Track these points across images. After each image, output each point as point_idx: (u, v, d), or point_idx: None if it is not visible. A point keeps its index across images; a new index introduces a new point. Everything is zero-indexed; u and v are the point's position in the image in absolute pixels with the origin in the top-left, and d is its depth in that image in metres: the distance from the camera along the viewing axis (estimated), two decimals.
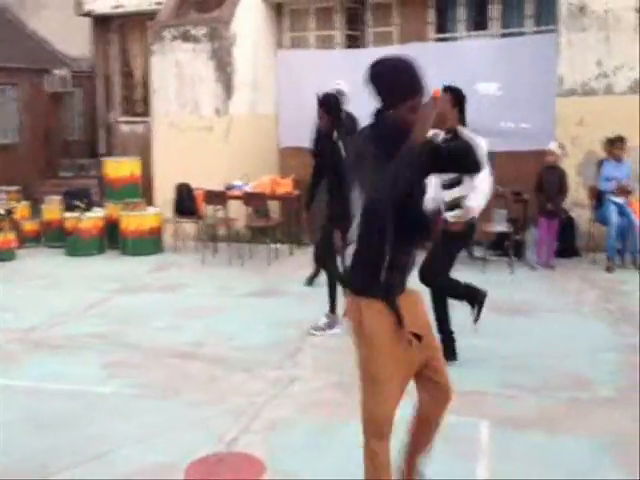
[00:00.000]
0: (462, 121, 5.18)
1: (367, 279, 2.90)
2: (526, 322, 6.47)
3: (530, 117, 9.85)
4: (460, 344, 5.78)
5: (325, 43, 11.94)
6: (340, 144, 5.98)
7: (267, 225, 9.35)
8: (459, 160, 2.88)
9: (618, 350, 5.63)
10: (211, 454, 3.99)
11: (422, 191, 2.89)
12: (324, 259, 6.40)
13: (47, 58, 18.96)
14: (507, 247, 8.46)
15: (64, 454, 3.99)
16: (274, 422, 4.42)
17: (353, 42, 11.86)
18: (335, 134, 6.07)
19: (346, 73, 10.62)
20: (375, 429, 2.96)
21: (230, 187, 9.53)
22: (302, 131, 11.12)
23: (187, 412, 4.58)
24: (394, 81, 2.80)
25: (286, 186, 9.46)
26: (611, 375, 5.13)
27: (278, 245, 9.40)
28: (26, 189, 11.79)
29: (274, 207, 10.29)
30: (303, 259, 9.28)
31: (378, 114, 2.87)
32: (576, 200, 9.06)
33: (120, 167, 9.93)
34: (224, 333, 6.21)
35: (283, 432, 4.28)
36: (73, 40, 16.27)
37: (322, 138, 6.26)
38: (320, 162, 6.36)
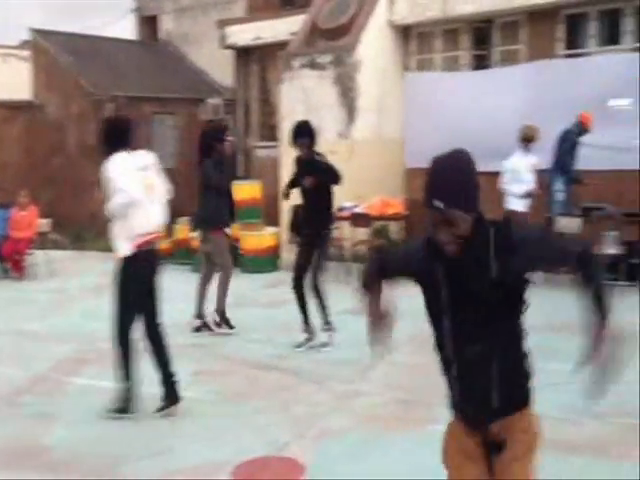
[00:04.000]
0: None
1: None
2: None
3: None
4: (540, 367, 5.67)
5: (452, 64, 12.00)
6: None
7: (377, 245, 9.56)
8: None
9: None
10: (259, 457, 4.31)
11: None
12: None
13: (203, 88, 20.39)
14: (620, 271, 8.07)
15: (131, 449, 4.45)
16: (328, 431, 4.63)
17: (480, 62, 11.83)
18: None
19: (473, 94, 10.70)
20: None
21: (342, 208, 9.85)
22: (429, 152, 11.26)
23: (251, 417, 4.90)
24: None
25: (396, 207, 9.62)
26: None
27: None
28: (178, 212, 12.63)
29: (397, 228, 10.47)
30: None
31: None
32: None
33: (242, 190, 10.56)
34: (311, 346, 6.48)
35: (334, 441, 4.49)
36: (226, 70, 17.37)
37: None
38: None
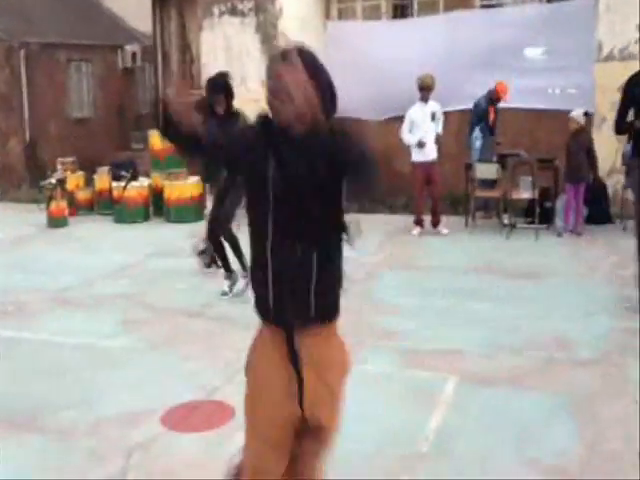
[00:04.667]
0: None
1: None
2: (532, 287, 6.53)
3: (575, 82, 9.70)
4: (456, 307, 5.94)
5: (373, 12, 11.99)
6: None
7: None
8: None
9: (615, 315, 5.64)
10: (189, 401, 4.38)
11: None
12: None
13: (120, 35, 19.68)
14: (535, 214, 8.42)
15: (56, 399, 4.42)
16: None
17: (400, 11, 11.88)
18: None
19: (393, 42, 10.75)
20: None
21: None
22: (350, 102, 11.38)
23: (180, 365, 4.94)
24: None
25: None
26: (598, 339, 5.18)
27: None
28: (99, 162, 12.31)
29: None
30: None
31: None
32: (613, 167, 8.90)
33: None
34: (237, 294, 6.53)
35: None
36: (144, 16, 16.80)
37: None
38: None
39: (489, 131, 9.04)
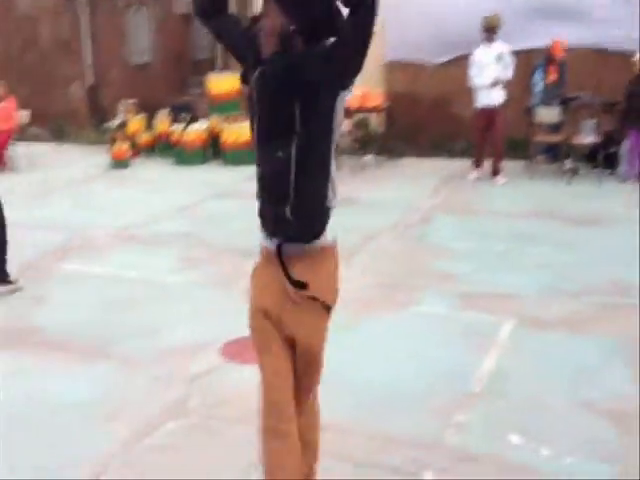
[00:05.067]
0: None
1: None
2: (592, 233, 6.41)
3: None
4: (514, 251, 5.90)
5: None
6: None
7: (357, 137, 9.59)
8: None
9: None
10: (247, 336, 4.51)
11: None
12: None
13: None
14: (598, 159, 8.21)
15: (122, 329, 4.62)
16: None
17: None
18: None
19: None
20: None
21: None
22: (410, 44, 11.14)
23: (237, 301, 4.98)
24: None
25: (376, 99, 9.58)
26: None
27: (368, 157, 9.67)
28: (158, 106, 12.49)
29: (378, 120, 10.45)
30: (389, 170, 9.52)
31: None
32: None
33: (222, 83, 10.41)
34: None
35: None
36: None
37: None
38: None
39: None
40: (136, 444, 3.27)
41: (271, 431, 2.41)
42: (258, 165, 2.35)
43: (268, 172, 2.31)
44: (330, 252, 2.40)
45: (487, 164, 8.78)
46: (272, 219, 2.36)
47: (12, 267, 5.44)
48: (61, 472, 3.06)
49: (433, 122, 10.39)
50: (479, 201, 7.84)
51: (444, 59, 10.22)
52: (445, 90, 9.96)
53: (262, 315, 2.43)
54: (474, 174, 8.79)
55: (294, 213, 2.28)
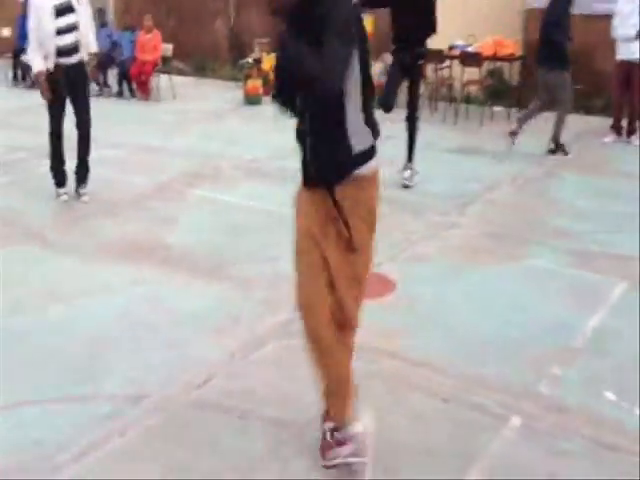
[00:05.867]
0: None
1: None
2: None
3: None
4: (636, 215, 5.68)
5: None
6: None
7: (484, 86, 9.35)
8: None
9: None
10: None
11: None
12: None
13: None
14: None
15: (239, 253, 4.93)
16: (420, 256, 4.92)
17: None
18: None
19: None
20: None
21: (453, 47, 9.59)
22: None
23: None
24: None
25: (510, 47, 9.30)
26: None
27: (498, 108, 9.46)
28: None
29: (512, 71, 10.15)
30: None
31: None
32: None
33: None
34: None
35: (424, 264, 4.78)
36: None
37: None
38: None
39: None
40: (242, 357, 3.54)
41: (309, 336, 2.63)
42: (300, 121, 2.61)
43: (304, 129, 2.59)
44: (369, 179, 2.58)
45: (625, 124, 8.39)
46: (309, 163, 2.60)
47: (149, 188, 5.85)
48: (170, 372, 3.39)
49: (573, 75, 9.95)
50: (610, 161, 7.54)
51: (589, 11, 9.69)
52: (588, 42, 9.48)
53: (308, 237, 2.60)
54: (610, 137, 8.42)
55: (313, 158, 2.57)
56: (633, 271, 4.61)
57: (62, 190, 6.11)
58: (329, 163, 2.56)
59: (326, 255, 2.58)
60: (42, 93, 5.73)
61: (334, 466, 2.70)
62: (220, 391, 3.25)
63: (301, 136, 2.61)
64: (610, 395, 3.25)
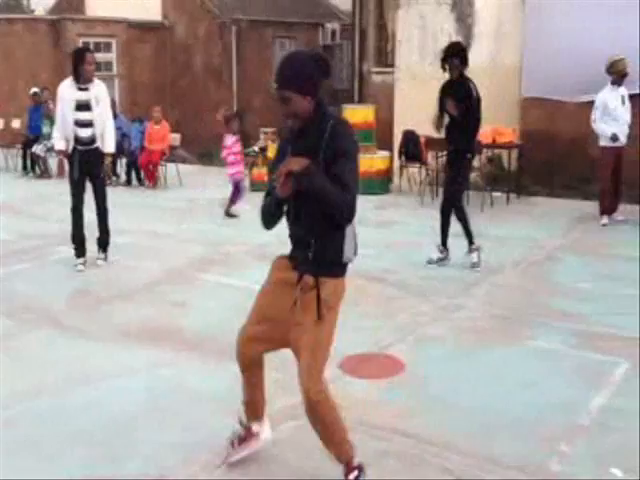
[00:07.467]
0: None
1: None
2: None
3: None
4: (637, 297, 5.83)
5: None
6: None
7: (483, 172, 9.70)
8: None
9: None
10: (364, 352, 4.80)
11: None
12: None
13: (323, 13, 20.43)
14: None
15: None
16: (428, 337, 5.06)
17: None
18: None
19: (603, 18, 10.27)
20: None
21: None
22: (548, 80, 11.08)
23: (358, 321, 5.36)
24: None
25: (508, 135, 9.68)
26: None
27: (498, 193, 9.77)
28: None
29: (510, 158, 10.51)
30: (518, 208, 9.55)
31: None
32: None
33: (355, 113, 10.85)
34: (415, 264, 6.87)
35: (433, 345, 4.92)
36: None
37: None
38: None
39: None
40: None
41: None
42: (291, 219, 3.20)
43: (298, 228, 3.14)
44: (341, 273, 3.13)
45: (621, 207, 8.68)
46: (300, 255, 3.09)
47: (161, 273, 6.03)
48: (190, 452, 3.47)
49: (569, 162, 10.31)
50: (608, 244, 7.75)
51: (582, 99, 10.14)
52: (583, 130, 9.86)
53: (280, 285, 3.22)
54: (606, 219, 8.66)
55: (315, 258, 3.02)
56: (635, 351, 4.74)
57: (79, 260, 6.64)
58: (328, 263, 3.02)
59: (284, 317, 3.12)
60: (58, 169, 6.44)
61: None
62: (240, 472, 3.32)
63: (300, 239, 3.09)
64: (617, 471, 3.34)
